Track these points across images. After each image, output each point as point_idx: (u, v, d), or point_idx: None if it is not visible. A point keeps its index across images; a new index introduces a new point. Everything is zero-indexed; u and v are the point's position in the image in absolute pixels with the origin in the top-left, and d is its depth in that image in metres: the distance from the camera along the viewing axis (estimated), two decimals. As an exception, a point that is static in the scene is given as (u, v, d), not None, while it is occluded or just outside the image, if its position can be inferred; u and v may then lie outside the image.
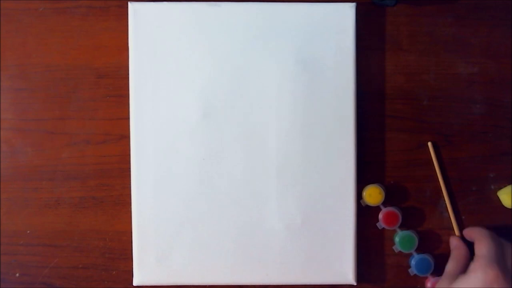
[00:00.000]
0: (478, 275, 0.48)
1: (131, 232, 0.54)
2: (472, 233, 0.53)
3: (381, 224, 0.55)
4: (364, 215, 0.55)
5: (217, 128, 0.54)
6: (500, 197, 0.56)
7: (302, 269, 0.54)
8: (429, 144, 0.55)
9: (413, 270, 0.55)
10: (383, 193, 0.54)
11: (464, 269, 0.51)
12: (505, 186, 0.56)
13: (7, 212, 0.56)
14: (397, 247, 0.55)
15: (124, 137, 0.56)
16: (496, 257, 0.48)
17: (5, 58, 0.56)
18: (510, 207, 0.55)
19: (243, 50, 0.54)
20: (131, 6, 0.54)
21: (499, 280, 0.47)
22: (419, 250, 0.55)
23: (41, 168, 0.56)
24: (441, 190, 0.56)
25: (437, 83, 0.56)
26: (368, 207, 0.55)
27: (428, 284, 0.55)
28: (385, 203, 0.55)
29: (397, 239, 0.55)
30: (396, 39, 0.56)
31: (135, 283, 0.54)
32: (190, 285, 0.55)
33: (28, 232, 0.56)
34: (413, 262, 0.55)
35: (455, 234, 0.56)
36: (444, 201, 0.56)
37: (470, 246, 0.53)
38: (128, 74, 0.54)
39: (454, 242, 0.55)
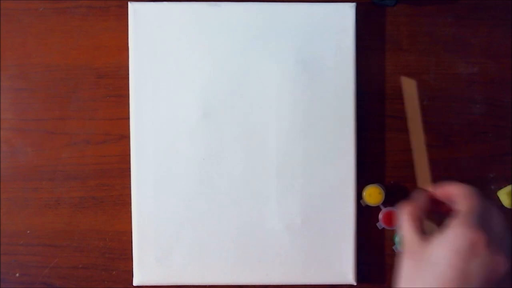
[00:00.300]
0: (457, 233, 0.39)
1: (131, 232, 0.54)
2: (451, 188, 0.44)
3: (381, 224, 0.55)
4: (364, 215, 0.55)
5: (217, 128, 0.54)
6: (500, 197, 0.56)
7: (302, 269, 0.54)
8: (402, 78, 0.49)
9: (413, 270, 0.55)
10: (383, 193, 0.54)
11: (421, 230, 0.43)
12: (505, 186, 0.56)
13: (7, 212, 0.56)
14: (397, 247, 0.55)
15: (124, 137, 0.56)
16: (481, 218, 0.40)
17: (5, 58, 0.56)
18: (510, 207, 0.55)
19: (243, 50, 0.54)
20: (131, 6, 0.54)
21: (481, 244, 0.39)
22: (419, 250, 0.55)
23: (41, 168, 0.56)
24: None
25: (437, 83, 0.56)
26: (368, 207, 0.55)
27: (428, 284, 0.55)
28: (385, 203, 0.55)
29: (397, 239, 0.55)
30: (396, 39, 0.56)
31: (135, 283, 0.54)
32: (190, 285, 0.55)
33: (28, 232, 0.56)
34: (413, 262, 0.55)
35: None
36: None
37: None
38: (128, 74, 0.54)
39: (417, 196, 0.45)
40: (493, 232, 0.40)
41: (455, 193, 0.43)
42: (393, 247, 0.56)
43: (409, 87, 0.49)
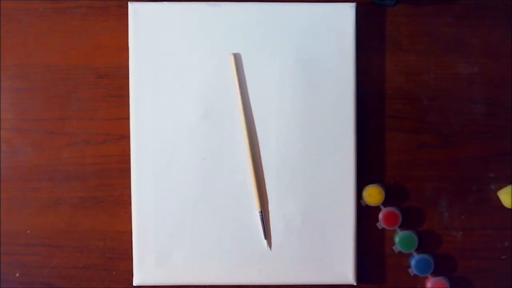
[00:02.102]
0: None
1: (131, 232, 0.54)
2: None
3: (381, 224, 0.55)
4: (364, 215, 0.55)
5: (217, 128, 0.54)
6: (500, 197, 0.56)
7: (302, 269, 0.54)
8: (231, 56, 0.51)
9: (413, 270, 0.55)
10: (383, 193, 0.54)
11: None
12: (505, 186, 0.56)
13: (7, 212, 0.56)
14: (397, 247, 0.55)
15: (124, 137, 0.56)
16: None
17: (5, 58, 0.56)
18: (510, 207, 0.55)
19: (243, 50, 0.54)
20: (131, 6, 0.54)
21: None
22: (419, 250, 0.55)
23: (41, 168, 0.56)
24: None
25: (437, 83, 0.56)
26: (368, 207, 0.55)
27: (428, 284, 0.55)
28: (385, 203, 0.55)
29: (397, 239, 0.55)
30: (396, 39, 0.56)
31: (135, 283, 0.54)
32: (190, 285, 0.55)
33: (28, 232, 0.56)
34: (413, 262, 0.55)
35: (457, 235, 0.56)
36: (445, 200, 0.56)
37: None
38: (128, 74, 0.54)
39: None
40: None
41: None
42: (393, 247, 0.56)
43: (237, 62, 0.51)
